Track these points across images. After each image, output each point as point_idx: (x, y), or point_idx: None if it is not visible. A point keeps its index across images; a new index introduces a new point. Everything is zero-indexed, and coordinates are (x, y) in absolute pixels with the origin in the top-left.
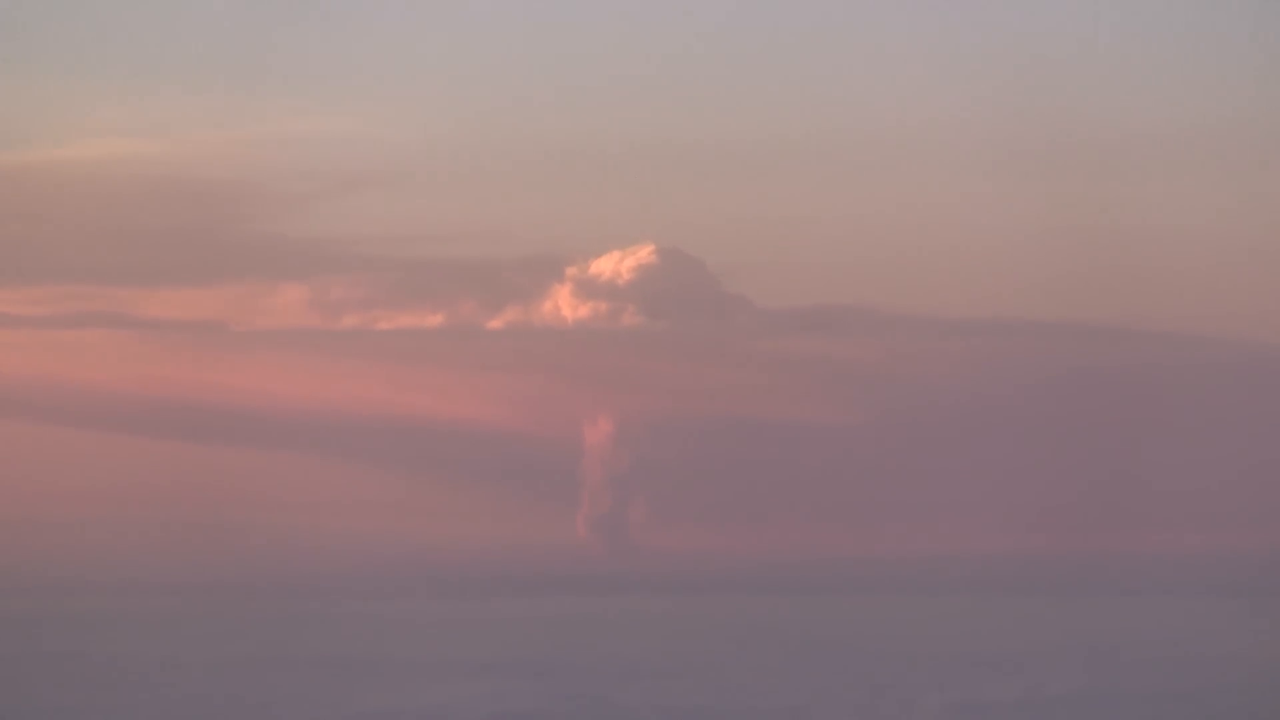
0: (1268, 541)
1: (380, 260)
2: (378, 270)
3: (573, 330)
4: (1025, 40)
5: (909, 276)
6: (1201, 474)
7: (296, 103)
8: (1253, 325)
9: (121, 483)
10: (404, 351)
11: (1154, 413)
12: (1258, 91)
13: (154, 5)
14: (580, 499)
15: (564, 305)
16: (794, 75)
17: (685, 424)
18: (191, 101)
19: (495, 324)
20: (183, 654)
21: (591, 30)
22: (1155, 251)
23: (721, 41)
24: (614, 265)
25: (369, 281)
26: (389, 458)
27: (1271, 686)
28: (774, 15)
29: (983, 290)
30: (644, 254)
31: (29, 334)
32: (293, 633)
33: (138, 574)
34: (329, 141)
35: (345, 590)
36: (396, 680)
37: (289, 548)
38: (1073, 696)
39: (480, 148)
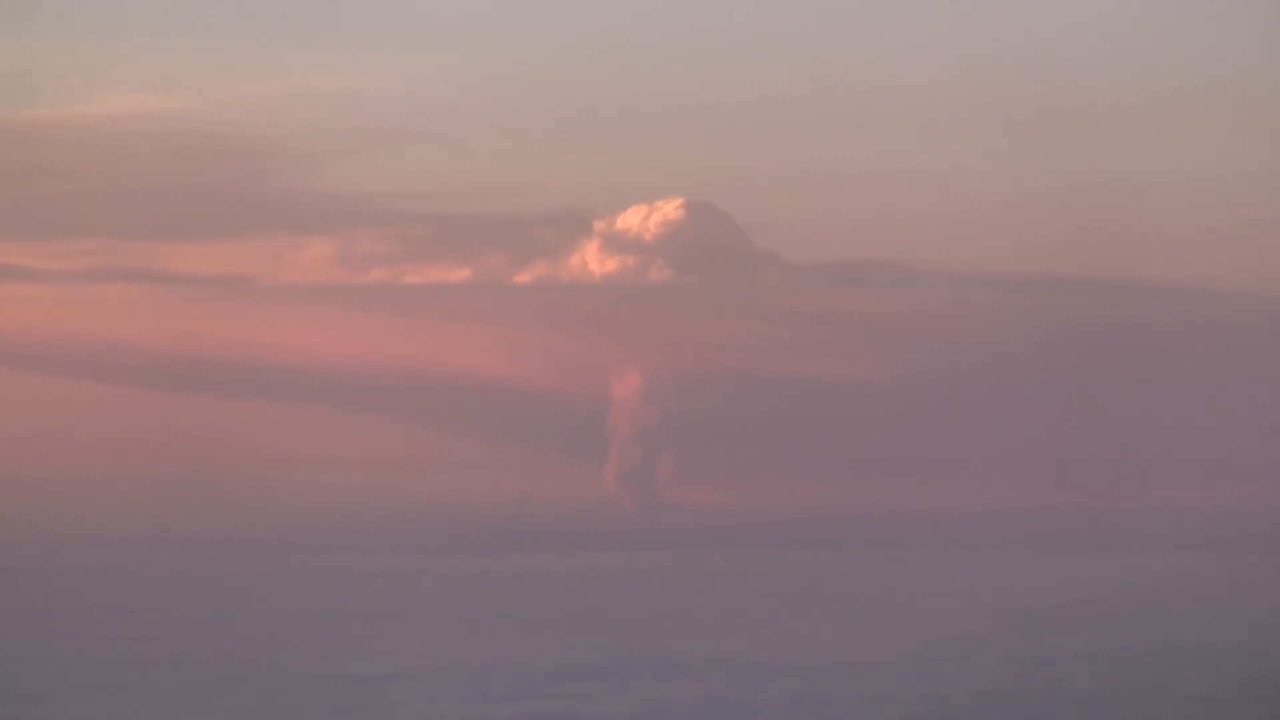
0: None
1: (408, 215)
2: (405, 225)
3: (600, 285)
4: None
5: (938, 231)
6: (1244, 429)
7: (324, 58)
8: None
9: (149, 437)
10: (431, 306)
11: (1201, 366)
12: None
13: None
14: (608, 453)
15: (592, 260)
16: (824, 33)
17: (714, 379)
18: (220, 57)
19: (523, 279)
20: (232, 608)
21: None
22: (1183, 207)
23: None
24: (642, 220)
25: (396, 236)
26: (416, 412)
27: None
28: None
29: (1012, 245)
30: (672, 208)
31: (57, 289)
32: (336, 587)
33: (168, 529)
34: (357, 97)
35: (373, 545)
36: (448, 634)
37: (318, 504)
38: (1127, 651)
39: (508, 103)
